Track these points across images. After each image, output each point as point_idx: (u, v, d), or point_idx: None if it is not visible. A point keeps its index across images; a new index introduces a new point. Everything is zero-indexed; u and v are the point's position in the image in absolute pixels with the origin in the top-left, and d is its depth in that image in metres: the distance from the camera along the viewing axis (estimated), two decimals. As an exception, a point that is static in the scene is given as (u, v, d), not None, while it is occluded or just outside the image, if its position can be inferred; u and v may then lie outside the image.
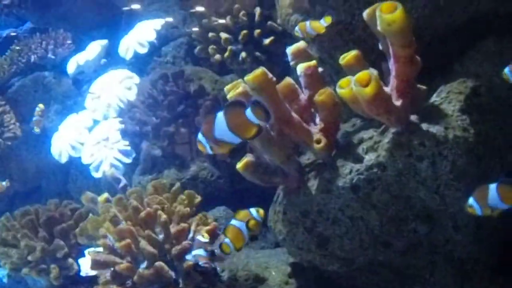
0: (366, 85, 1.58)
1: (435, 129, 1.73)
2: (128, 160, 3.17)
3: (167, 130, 2.87)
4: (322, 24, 1.96)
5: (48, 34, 4.16)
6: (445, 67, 1.94)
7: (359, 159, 1.81)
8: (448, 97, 1.81)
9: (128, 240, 2.06)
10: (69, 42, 4.07)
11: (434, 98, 1.83)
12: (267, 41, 2.78)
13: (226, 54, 2.83)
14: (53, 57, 4.03)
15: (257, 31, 2.77)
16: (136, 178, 3.03)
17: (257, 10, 2.78)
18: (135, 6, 3.62)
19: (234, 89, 1.83)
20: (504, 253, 1.95)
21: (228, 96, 1.82)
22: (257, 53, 2.77)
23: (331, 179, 1.84)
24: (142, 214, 2.11)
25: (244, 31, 2.77)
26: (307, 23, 2.02)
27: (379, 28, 1.60)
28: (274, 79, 1.76)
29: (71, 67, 3.84)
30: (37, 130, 3.66)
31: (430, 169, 1.74)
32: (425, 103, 1.83)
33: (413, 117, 1.77)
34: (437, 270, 1.91)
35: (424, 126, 1.75)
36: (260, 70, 1.72)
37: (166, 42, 3.59)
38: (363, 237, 1.88)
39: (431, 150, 1.73)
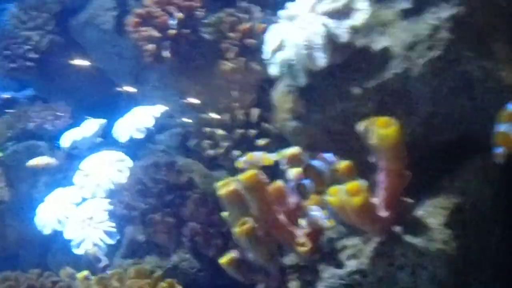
0: (355, 195, 1.63)
1: (417, 240, 1.79)
2: (111, 242, 3.19)
3: (153, 217, 2.90)
4: (271, 158, 2.05)
5: (49, 105, 4.22)
6: (433, 182, 2.00)
7: (341, 265, 1.86)
8: (433, 211, 1.87)
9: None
10: (68, 115, 4.11)
11: (420, 211, 1.89)
12: (262, 142, 2.84)
13: (221, 151, 2.88)
14: (50, 128, 4.07)
15: (252, 132, 2.83)
16: (117, 260, 3.06)
17: (255, 111, 2.85)
18: (131, 89, 3.69)
19: (226, 186, 1.89)
20: None
21: (219, 193, 1.88)
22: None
23: (312, 282, 1.89)
24: (123, 299, 2.13)
25: (240, 130, 2.83)
26: (258, 153, 2.11)
27: (372, 141, 1.67)
28: (266, 180, 1.82)
29: (66, 141, 3.87)
30: None
31: (409, 279, 1.79)
32: (411, 216, 1.88)
33: (397, 228, 1.83)
34: None
35: (407, 237, 1.80)
36: (253, 171, 1.79)
37: (162, 130, 3.64)
38: None
39: (412, 260, 1.78)
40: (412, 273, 1.79)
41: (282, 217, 1.87)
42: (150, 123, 3.58)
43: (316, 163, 1.80)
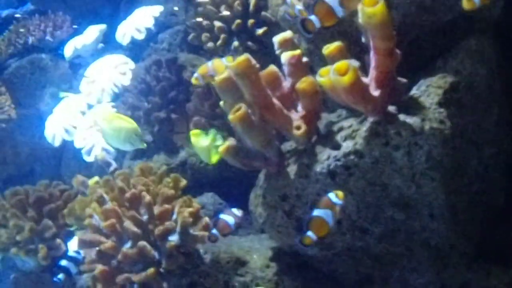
0: (345, 75, 1.62)
1: (412, 120, 1.78)
2: (120, 144, 3.20)
3: (158, 116, 2.91)
4: (224, 63, 2.06)
5: (48, 16, 4.18)
6: (428, 63, 1.99)
7: (338, 146, 1.87)
8: (427, 91, 1.86)
9: (112, 220, 2.11)
10: (68, 25, 4.09)
11: (414, 91, 1.88)
12: (260, 31, 2.81)
13: (219, 42, 2.85)
14: (51, 39, 4.06)
15: (250, 21, 2.80)
16: (126, 162, 3.09)
17: (252, 0, 2.81)
18: None
19: (221, 73, 1.88)
20: (482, 241, 2.00)
21: (216, 81, 1.87)
22: (250, 43, 2.80)
23: (309, 165, 1.89)
24: (127, 195, 2.16)
25: (238, 21, 2.79)
26: (209, 63, 2.08)
27: (360, 20, 1.65)
28: (258, 65, 1.81)
29: (68, 50, 3.87)
30: None
31: (405, 158, 1.79)
32: (405, 96, 1.87)
33: (392, 108, 1.82)
34: (414, 257, 1.96)
35: (402, 116, 1.80)
36: (244, 56, 1.78)
37: (164, 29, 3.61)
38: (340, 221, 1.92)
39: (407, 139, 1.78)
40: (408, 153, 1.79)
41: (276, 101, 1.86)
42: (150, 23, 3.55)
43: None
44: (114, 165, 2.96)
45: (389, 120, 1.79)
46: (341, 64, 1.64)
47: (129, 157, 3.11)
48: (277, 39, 1.99)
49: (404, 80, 1.87)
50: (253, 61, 1.79)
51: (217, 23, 2.85)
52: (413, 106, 1.83)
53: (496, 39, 2.09)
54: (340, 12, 1.76)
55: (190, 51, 3.34)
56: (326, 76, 1.69)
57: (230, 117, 1.82)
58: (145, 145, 2.61)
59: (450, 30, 1.98)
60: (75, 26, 4.10)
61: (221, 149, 1.93)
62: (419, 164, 1.79)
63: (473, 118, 1.93)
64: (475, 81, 1.93)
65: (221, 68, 2.11)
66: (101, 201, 2.22)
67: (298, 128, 1.85)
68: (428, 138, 1.77)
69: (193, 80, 2.29)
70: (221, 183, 2.85)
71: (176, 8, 3.50)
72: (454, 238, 1.93)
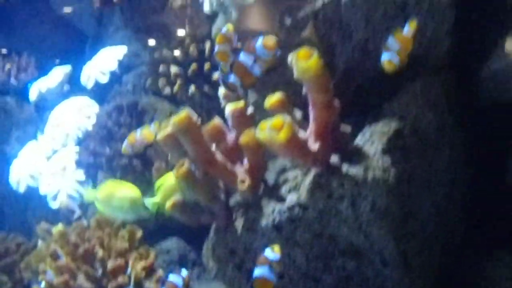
0: (280, 131, 1.61)
1: (354, 170, 1.77)
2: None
3: (120, 162, 2.90)
4: (152, 131, 2.04)
5: (12, 58, 4.16)
6: (376, 107, 1.98)
7: (282, 199, 1.85)
8: (371, 138, 1.85)
9: (65, 277, 2.09)
10: (32, 67, 4.08)
11: (359, 139, 1.87)
12: (216, 76, 2.81)
13: (176, 88, 2.85)
14: (15, 82, 4.04)
15: (207, 66, 2.80)
16: (91, 209, 3.06)
17: (207, 45, 2.81)
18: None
19: (163, 131, 1.87)
20: (440, 281, 2.01)
21: (158, 138, 1.86)
22: (206, 88, 2.79)
23: (255, 218, 1.88)
24: (81, 250, 2.14)
25: (194, 65, 2.79)
26: (137, 131, 2.08)
27: (295, 74, 1.64)
28: (199, 121, 1.80)
29: (33, 93, 3.86)
30: None
31: (350, 208, 1.77)
32: (350, 144, 1.86)
33: (335, 158, 1.81)
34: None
35: (345, 167, 1.78)
36: (184, 113, 1.77)
37: (128, 70, 3.61)
38: (291, 273, 1.91)
39: (350, 191, 1.76)
40: (352, 203, 1.77)
41: (219, 156, 1.85)
42: (114, 65, 3.54)
43: (243, 58, 1.76)
44: (78, 212, 2.94)
45: (331, 172, 1.78)
46: (277, 120, 1.63)
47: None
48: (221, 91, 1.98)
49: (348, 128, 1.86)
50: (194, 117, 1.78)
51: (173, 68, 2.84)
52: (357, 155, 1.81)
53: (446, 77, 2.08)
54: (257, 71, 1.75)
55: (154, 93, 3.33)
56: (264, 130, 1.68)
57: (174, 174, 1.81)
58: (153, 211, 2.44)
59: (396, 73, 1.97)
60: None
61: (167, 205, 1.91)
62: (365, 213, 1.77)
63: (422, 161, 1.92)
64: (422, 125, 1.92)
65: (149, 136, 2.11)
66: (54, 255, 2.20)
67: (243, 182, 1.84)
68: (372, 188, 1.75)
69: (123, 150, 2.28)
70: (186, 227, 2.82)
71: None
72: (409, 282, 1.91)
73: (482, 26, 2.23)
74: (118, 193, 2.37)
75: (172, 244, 2.78)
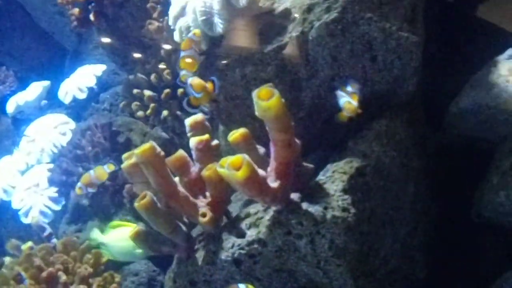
0: (238, 169, 1.63)
1: (314, 208, 1.78)
2: (57, 208, 3.19)
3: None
4: (106, 171, 2.09)
5: (-10, 71, 4.17)
6: (341, 143, 2.00)
7: (242, 234, 1.86)
8: (333, 177, 1.86)
9: (28, 301, 2.10)
10: (11, 80, 4.08)
11: (320, 177, 1.88)
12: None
13: (149, 111, 2.87)
14: (-7, 95, 4.05)
15: (180, 90, 2.81)
16: (62, 227, 3.07)
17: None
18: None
19: (128, 159, 1.89)
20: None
21: (123, 167, 1.88)
22: (178, 112, 2.81)
23: (216, 251, 1.89)
24: (44, 274, 2.15)
25: (167, 90, 2.81)
26: (91, 172, 2.10)
27: (256, 113, 1.66)
28: (162, 153, 1.81)
29: (10, 106, 3.86)
30: None
31: (309, 246, 1.79)
32: (311, 182, 1.88)
33: (295, 196, 1.82)
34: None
35: (305, 205, 1.80)
36: (148, 145, 1.78)
37: (106, 87, 3.62)
38: (251, 307, 1.91)
39: (309, 229, 1.77)
40: (311, 241, 1.78)
41: (181, 189, 1.86)
42: (92, 82, 3.55)
43: None
44: (48, 230, 2.94)
45: (291, 209, 1.79)
46: (236, 158, 1.64)
47: (64, 221, 3.09)
48: (188, 121, 1.99)
49: (310, 166, 1.88)
50: (158, 149, 1.79)
51: (147, 92, 2.86)
52: (318, 193, 1.83)
53: (413, 114, 2.11)
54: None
55: (130, 113, 3.33)
56: (224, 167, 1.69)
57: (136, 204, 1.82)
58: None
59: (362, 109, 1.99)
60: None
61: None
62: (323, 252, 1.79)
63: (384, 199, 1.94)
64: (385, 163, 1.94)
65: (103, 175, 2.13)
66: (17, 279, 2.21)
67: (204, 215, 1.85)
68: (330, 227, 1.77)
69: (77, 190, 2.30)
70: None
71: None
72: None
73: (450, 63, 2.27)
74: (125, 237, 2.35)
75: (141, 266, 2.78)
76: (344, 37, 1.91)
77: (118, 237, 2.46)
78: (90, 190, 2.35)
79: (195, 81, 1.91)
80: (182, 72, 1.95)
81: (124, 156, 1.94)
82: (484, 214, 2.15)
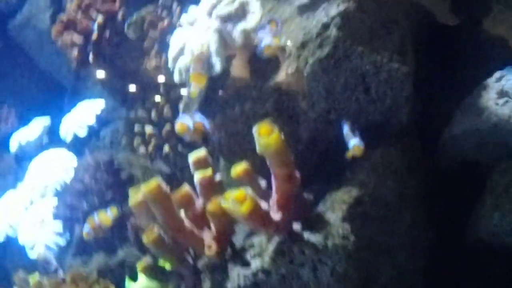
0: (242, 203, 1.70)
1: (315, 237, 1.85)
2: (62, 242, 3.25)
3: (94, 217, 2.96)
4: (109, 216, 2.24)
5: (-8, 110, 4.25)
6: (339, 174, 2.06)
7: (247, 264, 1.92)
8: (332, 206, 1.93)
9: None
10: (13, 118, 4.16)
11: (320, 207, 1.95)
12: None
13: (150, 148, 2.93)
14: (-4, 132, 4.12)
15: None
16: (68, 260, 3.12)
17: (180, 105, 2.89)
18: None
19: (134, 195, 1.95)
20: None
21: (130, 204, 1.95)
22: (180, 148, 2.87)
23: (221, 282, 1.95)
24: (55, 304, 2.21)
25: (168, 125, 2.88)
26: (95, 217, 2.25)
27: (257, 149, 1.73)
28: (168, 190, 1.88)
29: (13, 144, 3.93)
30: None
31: (311, 274, 1.86)
32: (312, 211, 1.95)
33: (297, 226, 1.89)
34: None
35: (306, 234, 1.87)
36: (154, 182, 1.85)
37: (106, 124, 3.67)
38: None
39: (311, 257, 1.84)
40: (313, 269, 1.85)
41: (187, 224, 1.93)
42: (91, 120, 3.61)
43: None
44: (54, 263, 3.00)
45: (293, 239, 1.86)
46: (240, 193, 1.72)
47: (70, 255, 3.14)
48: (191, 158, 2.06)
49: (310, 196, 1.95)
50: (164, 187, 1.87)
51: (148, 129, 2.92)
52: (319, 222, 1.90)
53: (407, 142, 2.16)
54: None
55: (131, 149, 3.39)
56: (228, 201, 1.76)
57: (144, 239, 1.89)
58: None
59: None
60: None
61: (139, 268, 1.98)
62: (325, 278, 1.85)
63: (382, 227, 2.00)
64: (382, 192, 2.01)
65: (106, 220, 2.20)
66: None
67: (209, 247, 1.92)
68: (331, 255, 1.84)
69: (84, 235, 2.37)
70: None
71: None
72: None
73: (441, 92, 2.32)
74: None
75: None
76: (338, 71, 1.98)
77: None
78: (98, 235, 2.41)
79: (178, 126, 1.99)
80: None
81: (131, 192, 2.00)
82: (480, 237, 2.18)
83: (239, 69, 2.07)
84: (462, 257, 2.23)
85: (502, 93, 2.13)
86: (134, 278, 2.45)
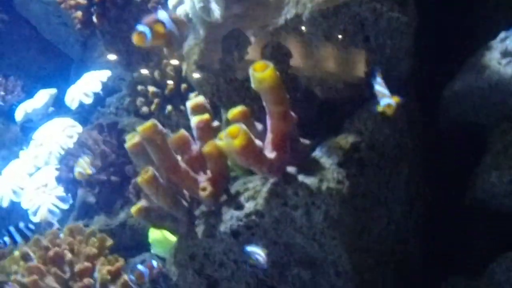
0: (236, 137, 1.70)
1: (309, 180, 1.85)
2: (65, 206, 3.28)
3: (99, 178, 2.98)
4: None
5: (-1, 81, 4.28)
6: (338, 124, 2.06)
7: (241, 207, 1.92)
8: (329, 151, 1.92)
9: (35, 277, 2.17)
10: (19, 89, 4.19)
11: (317, 152, 1.95)
12: (193, 95, 2.88)
13: (153, 107, 2.94)
14: (2, 104, 4.15)
15: (183, 86, 2.89)
16: (70, 223, 3.13)
17: (184, 64, 2.90)
18: None
19: (131, 139, 1.96)
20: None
21: (126, 147, 1.95)
22: (182, 107, 2.88)
23: (215, 225, 1.95)
24: (50, 253, 2.23)
25: (170, 86, 2.88)
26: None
27: (252, 85, 1.73)
28: (164, 131, 1.89)
29: (19, 114, 3.97)
30: None
31: (304, 217, 1.85)
32: (307, 156, 1.94)
33: (291, 169, 1.89)
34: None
35: (300, 177, 1.86)
36: (150, 122, 1.86)
37: (112, 93, 3.70)
38: (248, 280, 1.98)
39: (304, 199, 1.84)
40: (306, 212, 1.84)
41: (182, 164, 1.93)
42: (98, 87, 3.64)
43: None
44: (56, 225, 3.02)
45: (287, 181, 1.86)
46: (233, 127, 1.72)
47: (72, 219, 3.17)
48: (189, 104, 2.07)
49: (307, 141, 1.95)
50: (159, 127, 1.87)
51: (151, 88, 2.93)
52: (314, 167, 1.89)
53: (406, 96, 2.15)
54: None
55: (136, 114, 3.41)
56: (223, 139, 1.76)
57: (138, 180, 1.89)
58: None
59: (356, 90, 2.05)
60: None
61: (133, 209, 1.99)
62: (318, 223, 1.85)
63: (378, 177, 1.99)
64: (379, 140, 1.99)
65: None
66: (26, 258, 2.29)
67: (204, 189, 1.92)
68: (325, 198, 1.83)
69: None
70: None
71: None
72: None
73: (444, 47, 2.31)
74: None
75: (145, 258, 2.83)
76: (337, 17, 1.97)
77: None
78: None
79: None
80: None
81: (128, 137, 2.01)
82: (478, 197, 2.17)
83: (238, 16, 2.07)
84: (458, 219, 2.23)
85: (506, 53, 2.11)
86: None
